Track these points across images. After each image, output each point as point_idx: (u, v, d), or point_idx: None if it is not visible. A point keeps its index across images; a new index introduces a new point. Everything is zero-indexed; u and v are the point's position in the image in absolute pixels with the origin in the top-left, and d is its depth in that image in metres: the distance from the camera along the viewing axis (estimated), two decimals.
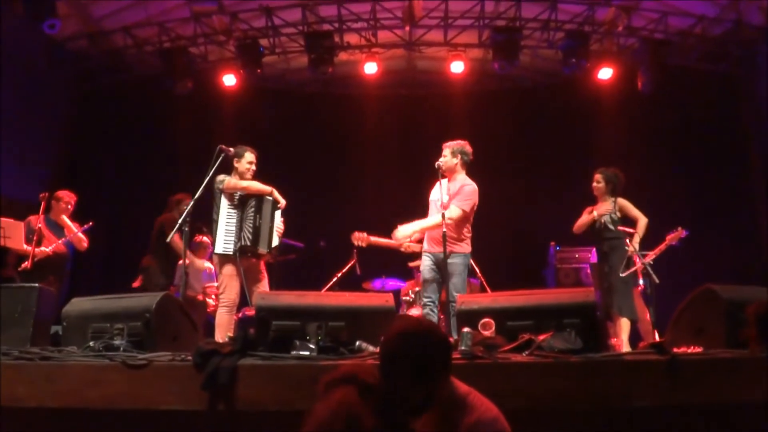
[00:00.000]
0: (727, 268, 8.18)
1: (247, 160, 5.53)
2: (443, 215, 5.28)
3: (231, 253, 5.30)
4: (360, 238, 5.85)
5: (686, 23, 8.62)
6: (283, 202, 5.56)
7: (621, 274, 5.83)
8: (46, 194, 6.46)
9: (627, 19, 8.52)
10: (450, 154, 5.57)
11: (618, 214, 6.12)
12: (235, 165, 5.52)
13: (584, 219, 6.25)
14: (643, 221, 6.09)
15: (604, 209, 6.16)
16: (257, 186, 5.50)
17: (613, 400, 3.01)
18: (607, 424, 3.07)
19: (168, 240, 5.22)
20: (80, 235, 6.57)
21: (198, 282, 7.64)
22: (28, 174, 7.72)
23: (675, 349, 3.23)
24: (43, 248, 6.30)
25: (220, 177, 5.43)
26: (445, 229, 5.23)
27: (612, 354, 3.65)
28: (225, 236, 5.35)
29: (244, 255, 5.32)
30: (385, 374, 2.02)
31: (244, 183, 5.45)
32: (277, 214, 5.56)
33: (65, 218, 6.57)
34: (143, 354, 3.43)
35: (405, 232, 5.41)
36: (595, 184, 6.29)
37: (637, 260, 5.90)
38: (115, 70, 9.31)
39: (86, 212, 7.00)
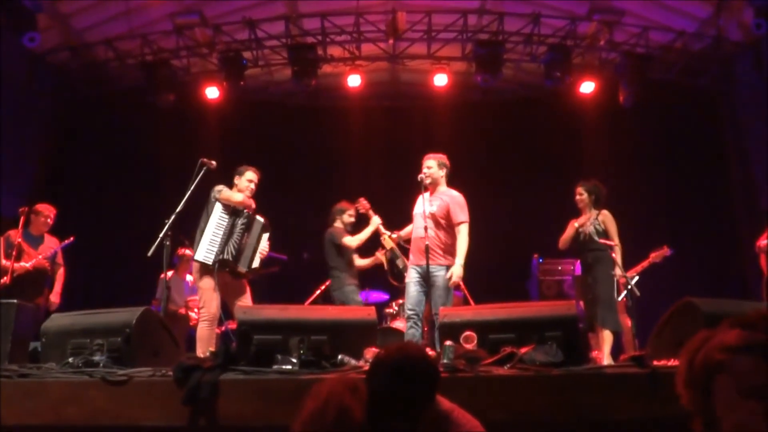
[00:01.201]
0: (707, 281, 8.27)
1: (247, 178, 5.58)
2: (425, 228, 5.30)
3: (210, 263, 5.26)
4: (363, 205, 6.63)
5: (667, 38, 8.74)
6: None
7: (616, 298, 5.86)
8: (26, 208, 6.38)
9: (608, 33, 8.63)
10: (436, 167, 5.60)
11: (602, 225, 6.11)
12: (235, 182, 5.54)
13: (568, 233, 6.25)
14: (617, 248, 6.02)
15: (584, 220, 6.20)
16: (239, 198, 5.49)
17: (593, 412, 3.02)
18: None
19: (149, 254, 5.12)
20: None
21: (180, 295, 7.59)
22: (8, 188, 7.63)
23: (655, 362, 3.25)
24: (22, 263, 6.22)
25: (219, 186, 5.44)
26: (428, 242, 5.25)
27: (593, 367, 3.66)
28: (209, 245, 5.30)
29: (222, 269, 5.29)
30: (372, 407, 2.00)
31: (238, 197, 5.45)
32: (265, 236, 5.59)
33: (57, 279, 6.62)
34: (123, 370, 3.40)
35: (458, 272, 5.39)
36: (577, 197, 6.31)
37: (618, 272, 5.93)
38: (97, 83, 9.25)
39: (67, 226, 6.93)
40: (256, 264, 5.51)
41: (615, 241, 6.01)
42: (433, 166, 5.59)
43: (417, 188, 5.58)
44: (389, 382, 2.05)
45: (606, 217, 6.14)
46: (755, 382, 1.36)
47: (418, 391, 2.07)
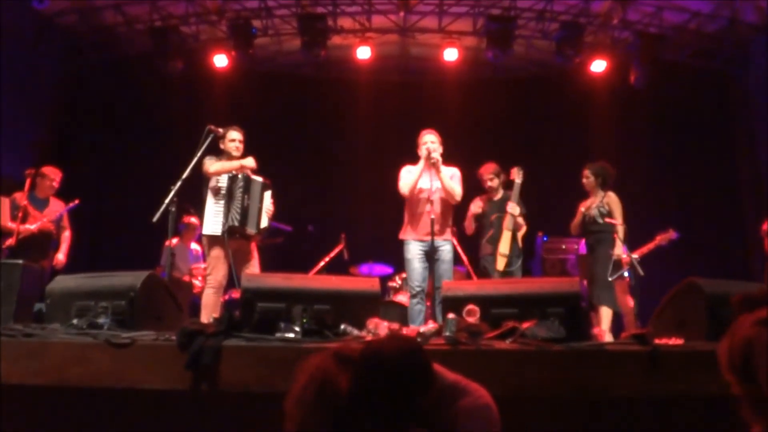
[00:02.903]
0: (712, 263, 8.27)
1: (229, 138, 5.49)
2: (431, 203, 5.31)
3: (219, 233, 5.27)
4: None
5: (681, 18, 8.63)
6: (252, 164, 5.48)
7: (608, 277, 5.84)
8: (32, 171, 6.39)
9: (622, 12, 8.52)
10: (438, 143, 5.58)
11: (606, 207, 6.08)
12: (221, 147, 5.51)
13: (576, 219, 6.26)
14: (620, 228, 6.00)
15: (589, 203, 6.18)
16: (228, 166, 5.40)
17: (593, 389, 3.04)
18: (587, 413, 3.10)
19: (154, 220, 5.10)
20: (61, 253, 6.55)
21: (184, 263, 7.62)
22: (14, 150, 7.63)
23: (657, 341, 3.26)
24: (27, 226, 6.25)
25: (205, 160, 5.39)
26: (433, 216, 5.25)
27: (594, 344, 3.67)
28: (213, 217, 5.31)
29: (232, 236, 5.28)
30: (356, 404, 1.95)
31: (212, 168, 5.35)
32: (267, 195, 5.54)
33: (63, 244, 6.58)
34: (127, 333, 3.42)
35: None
36: (584, 180, 6.27)
37: (624, 251, 5.93)
38: (105, 48, 9.21)
39: (73, 190, 6.95)
40: (264, 223, 5.47)
41: (618, 221, 6.00)
42: (436, 141, 5.56)
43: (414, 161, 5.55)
44: (379, 387, 1.97)
45: (611, 199, 6.11)
46: None
47: (410, 392, 2.00)
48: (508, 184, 6.26)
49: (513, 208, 5.98)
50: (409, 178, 5.48)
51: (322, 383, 1.95)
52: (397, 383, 1.97)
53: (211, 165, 5.38)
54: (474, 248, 6.89)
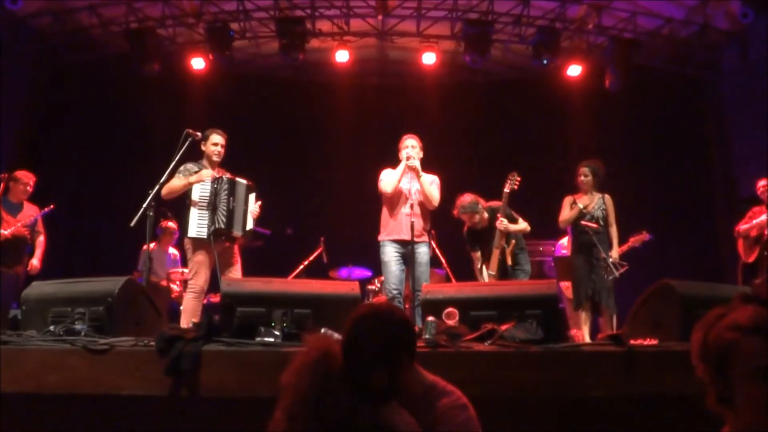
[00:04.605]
0: (685, 265, 8.41)
1: (212, 141, 5.47)
2: (411, 205, 5.36)
3: (204, 237, 5.24)
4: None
5: (655, 24, 8.78)
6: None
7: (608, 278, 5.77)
8: (5, 175, 6.30)
9: (597, 17, 8.64)
10: (420, 149, 5.62)
11: (605, 211, 6.00)
12: (202, 148, 5.48)
13: (572, 213, 6.02)
14: (614, 231, 6.00)
15: (588, 201, 6.05)
16: (179, 184, 5.27)
17: (571, 389, 3.08)
18: (564, 413, 3.15)
19: (132, 225, 5.04)
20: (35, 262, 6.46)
21: (162, 267, 7.56)
22: None
23: (632, 341, 3.32)
24: (1, 231, 6.15)
25: (177, 173, 5.31)
26: (413, 219, 5.29)
27: (571, 345, 3.73)
28: (198, 220, 5.27)
29: (218, 239, 5.26)
30: (347, 358, 2.02)
31: (174, 185, 5.26)
32: (252, 197, 5.52)
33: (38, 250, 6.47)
34: (105, 339, 3.38)
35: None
36: (582, 178, 6.11)
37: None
38: (80, 50, 9.09)
39: (47, 194, 6.86)
40: (250, 225, 5.45)
41: (613, 224, 5.99)
42: (417, 146, 5.61)
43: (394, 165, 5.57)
44: (364, 327, 2.05)
45: (609, 202, 6.05)
46: (761, 363, 1.37)
47: (393, 336, 2.06)
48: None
49: (500, 223, 5.83)
50: (391, 177, 5.52)
51: (325, 352, 1.99)
52: (387, 331, 2.05)
53: (173, 183, 5.25)
54: (452, 250, 6.94)
